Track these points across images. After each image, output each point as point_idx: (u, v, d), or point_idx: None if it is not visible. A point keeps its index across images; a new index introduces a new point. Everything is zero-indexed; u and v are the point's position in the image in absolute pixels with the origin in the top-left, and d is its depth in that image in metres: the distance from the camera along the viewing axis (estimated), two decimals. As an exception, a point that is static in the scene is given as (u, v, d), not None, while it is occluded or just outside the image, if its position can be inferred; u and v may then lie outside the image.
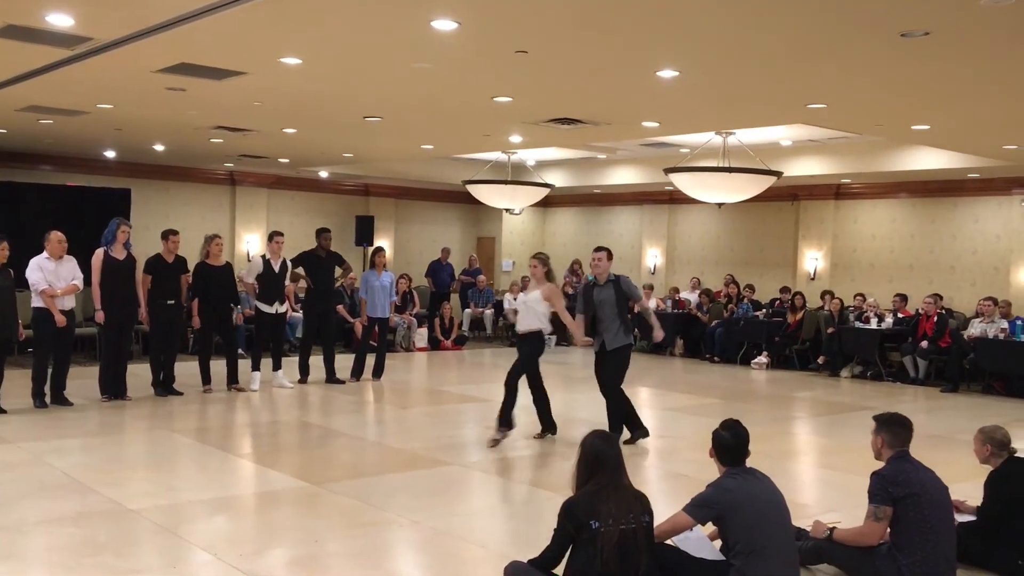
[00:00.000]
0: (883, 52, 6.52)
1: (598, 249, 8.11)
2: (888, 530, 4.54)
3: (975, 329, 12.40)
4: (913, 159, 13.02)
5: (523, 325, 8.08)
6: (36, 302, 8.75)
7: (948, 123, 9.57)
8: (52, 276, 8.75)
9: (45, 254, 8.81)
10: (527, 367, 7.97)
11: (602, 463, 3.90)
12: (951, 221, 14.87)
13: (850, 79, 7.49)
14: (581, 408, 9.51)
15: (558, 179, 17.16)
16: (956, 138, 10.82)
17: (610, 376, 7.97)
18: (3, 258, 8.45)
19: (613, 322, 7.90)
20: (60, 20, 6.36)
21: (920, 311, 13.09)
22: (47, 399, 8.91)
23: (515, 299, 17.19)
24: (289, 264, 10.69)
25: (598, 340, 7.96)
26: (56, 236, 8.86)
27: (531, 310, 8.03)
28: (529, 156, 15.78)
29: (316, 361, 11.11)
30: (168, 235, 9.83)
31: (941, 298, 13.53)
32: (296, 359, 11.29)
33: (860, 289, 15.08)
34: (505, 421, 7.91)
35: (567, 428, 8.34)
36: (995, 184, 14.09)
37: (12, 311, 8.55)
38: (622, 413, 8.02)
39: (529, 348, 8.01)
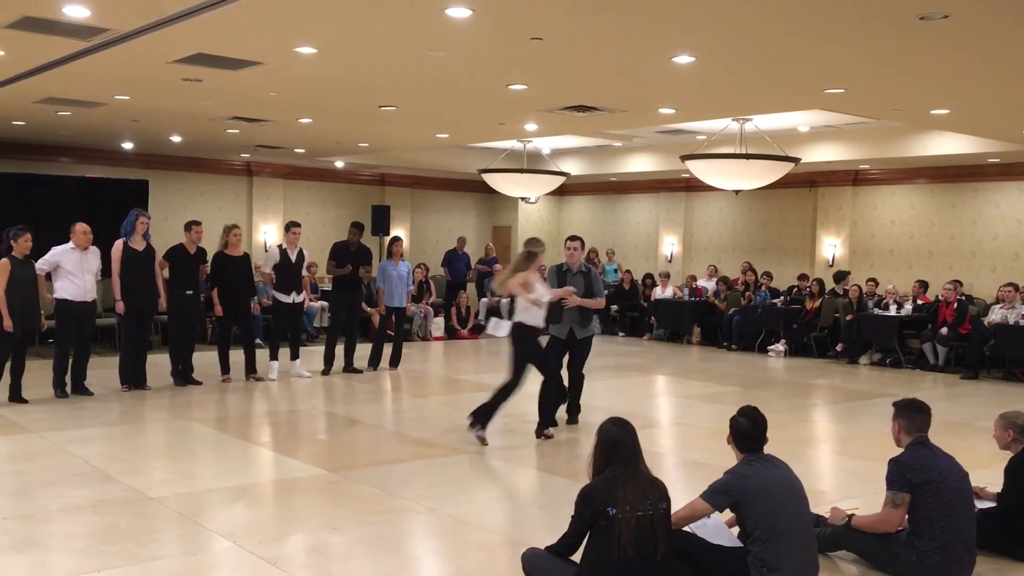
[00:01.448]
0: (901, 36, 6.45)
1: (572, 238, 8.28)
2: (907, 517, 4.52)
3: (996, 315, 12.30)
4: (932, 144, 12.90)
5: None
6: (58, 293, 8.82)
7: (967, 108, 9.47)
8: (76, 268, 8.82)
9: (71, 244, 8.88)
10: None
11: (618, 450, 3.90)
12: (971, 206, 14.73)
13: (868, 63, 7.42)
14: (598, 396, 9.51)
15: (574, 167, 17.13)
16: (976, 123, 10.71)
17: (582, 363, 8.21)
18: (26, 249, 8.52)
19: (584, 311, 8.02)
20: (76, 11, 6.38)
21: (940, 297, 13.00)
22: (68, 389, 8.99)
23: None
24: (306, 254, 10.75)
25: (564, 327, 8.02)
26: (81, 228, 8.93)
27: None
28: (545, 144, 15.75)
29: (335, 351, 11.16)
30: (191, 226, 9.91)
31: (961, 284, 13.42)
32: (313, 348, 11.30)
33: (880, 276, 15.00)
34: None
35: (584, 416, 8.33)
36: (1015, 169, 13.95)
37: (35, 303, 8.62)
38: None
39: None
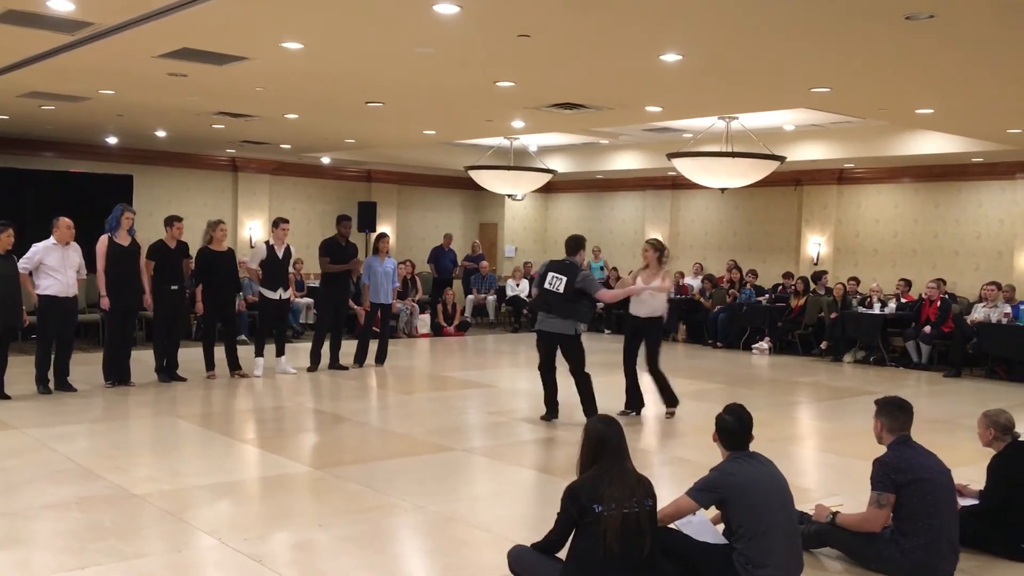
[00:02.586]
0: (887, 35, 6.49)
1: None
2: (891, 515, 4.55)
3: (978, 314, 12.39)
4: (916, 143, 12.98)
5: (646, 310, 8.66)
6: (41, 290, 8.76)
7: (952, 107, 9.53)
8: (59, 263, 8.76)
9: (52, 239, 8.82)
10: (658, 349, 8.74)
11: (605, 447, 3.91)
12: (954, 206, 14.83)
13: (854, 62, 7.45)
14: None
15: (560, 165, 17.13)
16: (960, 122, 10.79)
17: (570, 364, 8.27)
18: (9, 245, 8.45)
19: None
20: (61, 5, 6.34)
21: (923, 296, 13.08)
22: (51, 385, 8.93)
23: (517, 285, 17.25)
24: (293, 250, 10.72)
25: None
26: (65, 222, 8.87)
27: (655, 296, 8.66)
28: (531, 142, 15.75)
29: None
30: (173, 221, 9.84)
31: (944, 283, 13.52)
32: (299, 345, 11.24)
33: (864, 274, 15.09)
34: (672, 400, 8.74)
35: (570, 414, 8.35)
36: (999, 168, 14.05)
37: (16, 298, 8.55)
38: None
39: (655, 331, 8.76)
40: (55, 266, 8.74)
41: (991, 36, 6.45)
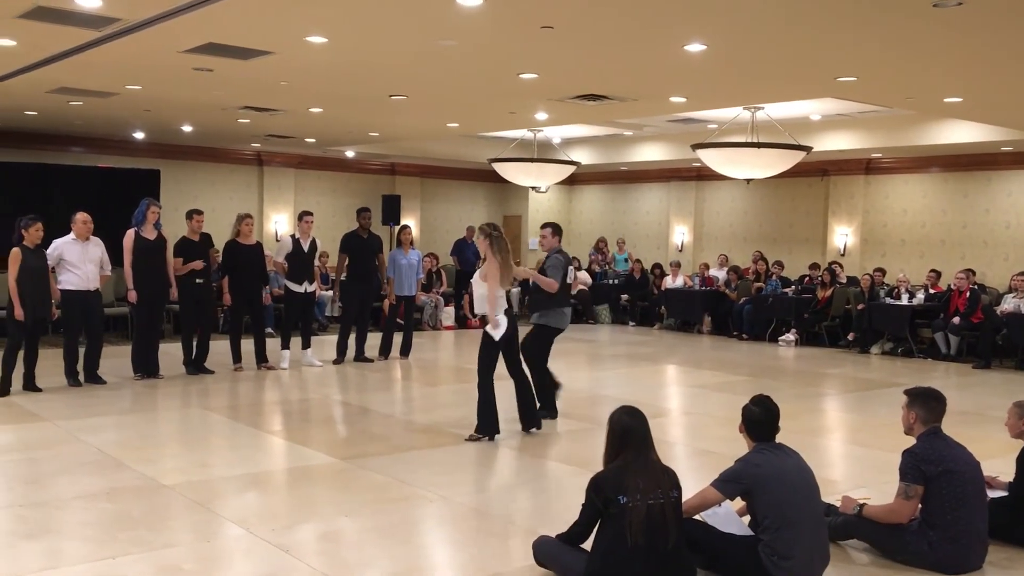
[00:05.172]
0: (915, 23, 6.41)
1: (544, 226, 8.15)
2: (919, 506, 4.51)
3: (1008, 304, 12.24)
4: (945, 133, 12.83)
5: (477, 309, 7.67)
6: (62, 285, 8.85)
7: (981, 95, 9.41)
8: (78, 258, 8.85)
9: (72, 235, 8.91)
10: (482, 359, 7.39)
11: (630, 439, 3.91)
12: (984, 195, 14.65)
13: (881, 51, 7.37)
14: (609, 386, 9.51)
15: (584, 156, 17.10)
16: (989, 110, 10.64)
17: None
18: (37, 239, 8.55)
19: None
20: (88, 1, 6.39)
21: (952, 286, 12.94)
22: (80, 377, 9.04)
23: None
24: (318, 243, 10.77)
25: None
26: (82, 217, 8.94)
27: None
28: (555, 134, 15.73)
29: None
30: (192, 215, 9.95)
31: (974, 273, 13.35)
32: (325, 337, 11.28)
33: (892, 265, 14.95)
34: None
35: (595, 406, 8.34)
36: (1029, 157, 13.88)
37: (46, 291, 8.65)
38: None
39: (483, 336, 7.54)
40: (75, 261, 8.82)
41: (1021, 23, 6.35)
